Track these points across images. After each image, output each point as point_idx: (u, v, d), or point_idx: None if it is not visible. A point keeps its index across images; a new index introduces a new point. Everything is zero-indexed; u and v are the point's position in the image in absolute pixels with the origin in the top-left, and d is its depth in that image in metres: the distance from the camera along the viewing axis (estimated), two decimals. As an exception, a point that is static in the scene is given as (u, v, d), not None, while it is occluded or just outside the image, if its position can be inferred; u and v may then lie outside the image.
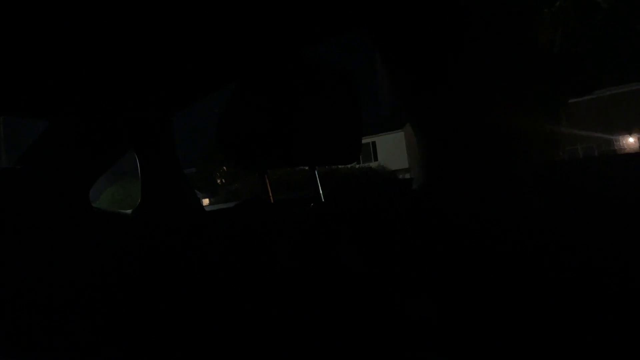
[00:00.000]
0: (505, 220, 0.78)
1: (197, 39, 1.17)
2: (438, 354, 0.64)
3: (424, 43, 0.85)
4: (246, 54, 1.29)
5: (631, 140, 23.93)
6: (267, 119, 1.07)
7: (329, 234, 0.83)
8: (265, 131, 1.07)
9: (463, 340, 0.64)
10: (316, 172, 1.28)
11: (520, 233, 0.76)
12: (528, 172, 0.82)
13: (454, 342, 0.64)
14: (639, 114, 23.69)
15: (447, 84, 0.83)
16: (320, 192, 1.28)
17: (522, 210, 0.82)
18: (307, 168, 1.26)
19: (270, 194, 1.23)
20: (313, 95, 1.09)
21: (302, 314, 0.77)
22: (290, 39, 1.21)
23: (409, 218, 0.79)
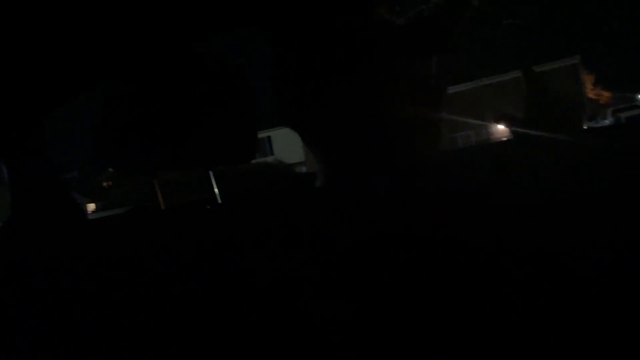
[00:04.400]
0: (405, 211, 0.77)
1: (64, 31, 1.02)
2: (358, 354, 0.61)
3: (314, 53, 0.82)
4: (123, 50, 1.16)
5: (502, 126, 26.41)
6: (151, 119, 0.97)
7: (231, 241, 0.75)
8: (151, 132, 0.96)
9: (379, 338, 0.61)
10: (211, 173, 1.19)
11: (423, 222, 0.76)
12: (418, 162, 0.82)
13: (370, 341, 0.61)
14: (508, 102, 26.20)
15: (332, 94, 0.80)
16: (217, 193, 1.20)
17: (420, 198, 0.81)
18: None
19: (161, 200, 1.12)
20: (203, 93, 1.01)
21: (208, 327, 0.69)
22: (174, 34, 1.11)
23: (316, 218, 0.75)
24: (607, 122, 18.70)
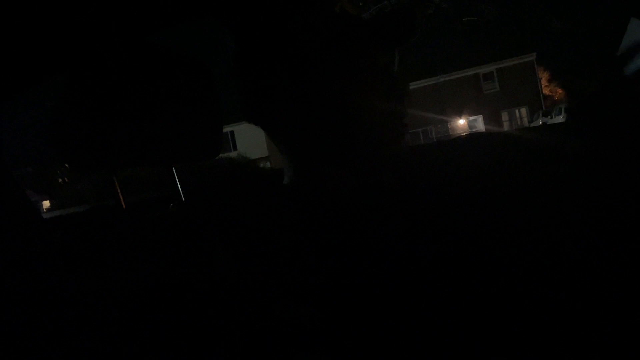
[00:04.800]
0: (372, 208, 0.78)
1: (8, 20, 0.97)
2: (325, 355, 0.61)
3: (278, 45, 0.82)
4: (78, 40, 1.12)
5: (462, 122, 27.14)
6: (109, 113, 0.94)
7: (196, 240, 0.74)
8: (110, 128, 0.94)
9: (347, 341, 0.61)
10: (174, 169, 1.17)
11: (389, 219, 0.77)
12: (383, 157, 0.83)
13: (338, 344, 0.61)
14: (468, 98, 26.91)
15: (297, 91, 0.80)
16: (180, 190, 1.18)
17: (386, 195, 0.83)
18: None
19: (122, 198, 1.09)
20: (164, 86, 0.99)
21: (170, 328, 0.68)
22: (130, 23, 1.08)
23: (284, 216, 0.75)
24: (561, 117, 19.46)
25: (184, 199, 1.21)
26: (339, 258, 0.68)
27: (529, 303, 0.66)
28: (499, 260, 0.73)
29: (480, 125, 27.24)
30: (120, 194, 1.08)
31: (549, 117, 21.40)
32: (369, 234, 0.75)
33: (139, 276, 0.75)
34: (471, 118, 27.42)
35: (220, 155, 1.27)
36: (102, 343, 0.69)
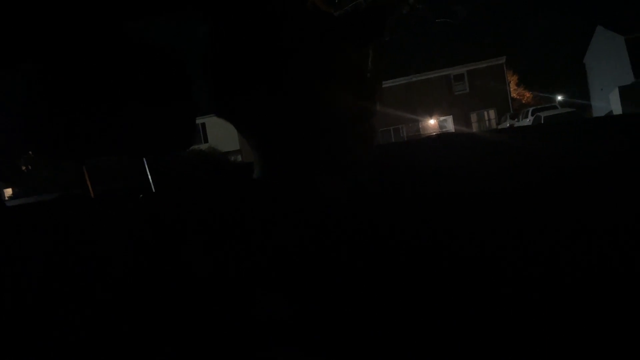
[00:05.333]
0: (345, 205, 0.79)
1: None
2: (300, 351, 0.62)
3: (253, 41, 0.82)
4: (47, 28, 1.09)
5: (432, 122, 27.50)
6: (79, 102, 0.93)
7: (167, 232, 0.74)
8: (80, 116, 0.92)
9: (319, 337, 0.63)
10: (145, 160, 1.15)
11: (361, 217, 0.78)
12: (356, 157, 0.84)
13: (310, 340, 0.62)
14: (439, 99, 27.28)
15: (270, 85, 0.80)
16: (151, 181, 1.17)
17: (359, 193, 0.84)
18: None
19: (90, 187, 1.07)
20: (136, 75, 0.97)
21: (139, 321, 0.68)
22: (106, 11, 1.06)
23: (256, 209, 0.75)
24: (527, 120, 19.94)
25: (154, 190, 1.20)
26: (311, 253, 0.69)
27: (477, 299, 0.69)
28: (472, 257, 0.75)
29: (450, 125, 27.66)
30: (89, 183, 1.07)
31: (516, 119, 21.91)
32: (343, 230, 0.76)
33: (109, 267, 0.75)
34: (441, 118, 27.81)
35: (192, 147, 1.26)
36: (73, 331, 0.68)
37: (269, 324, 0.62)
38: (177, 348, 0.66)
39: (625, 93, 17.68)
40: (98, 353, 0.67)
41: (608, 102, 20.69)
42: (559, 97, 32.65)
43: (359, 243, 0.72)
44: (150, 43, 1.03)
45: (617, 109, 18.11)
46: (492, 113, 27.45)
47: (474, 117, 27.79)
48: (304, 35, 0.78)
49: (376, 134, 0.83)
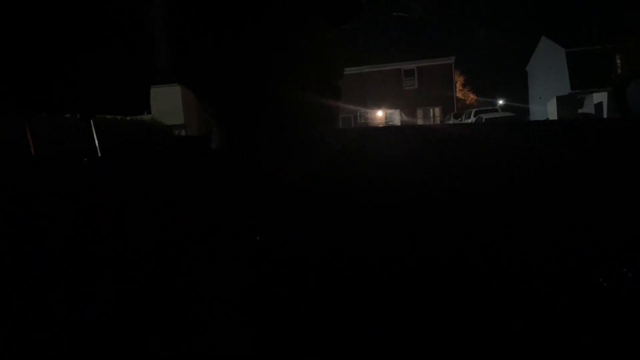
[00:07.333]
0: (303, 189, 0.81)
1: None
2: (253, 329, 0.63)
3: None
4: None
5: (380, 114, 27.89)
6: (24, 55, 0.88)
7: (112, 197, 0.73)
8: (21, 69, 0.87)
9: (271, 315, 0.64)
10: (92, 122, 1.11)
11: (321, 198, 0.80)
12: (316, 138, 0.85)
13: (266, 318, 0.63)
14: (389, 92, 27.67)
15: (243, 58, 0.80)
16: (97, 144, 1.13)
17: (314, 176, 0.86)
18: (78, 116, 1.09)
19: (32, 146, 1.02)
20: (87, 33, 0.93)
21: (86, 292, 0.67)
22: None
23: (211, 179, 0.75)
24: (470, 120, 20.68)
25: (100, 155, 1.16)
26: (266, 223, 0.70)
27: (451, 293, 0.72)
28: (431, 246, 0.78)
29: (396, 118, 28.17)
30: (31, 142, 1.02)
31: (459, 119, 22.65)
32: (295, 210, 0.77)
33: (51, 230, 0.73)
34: (389, 111, 28.26)
35: (134, 117, 1.22)
36: (25, 301, 0.66)
37: (217, 291, 0.63)
38: (114, 311, 0.65)
39: (562, 102, 19.02)
40: (39, 311, 0.65)
41: (545, 109, 21.93)
42: (500, 101, 34.08)
43: (310, 224, 0.74)
44: (111, 7, 0.99)
45: (553, 115, 19.35)
46: (437, 111, 28.22)
47: (420, 113, 28.45)
48: (276, 4, 0.78)
49: (338, 117, 0.84)
